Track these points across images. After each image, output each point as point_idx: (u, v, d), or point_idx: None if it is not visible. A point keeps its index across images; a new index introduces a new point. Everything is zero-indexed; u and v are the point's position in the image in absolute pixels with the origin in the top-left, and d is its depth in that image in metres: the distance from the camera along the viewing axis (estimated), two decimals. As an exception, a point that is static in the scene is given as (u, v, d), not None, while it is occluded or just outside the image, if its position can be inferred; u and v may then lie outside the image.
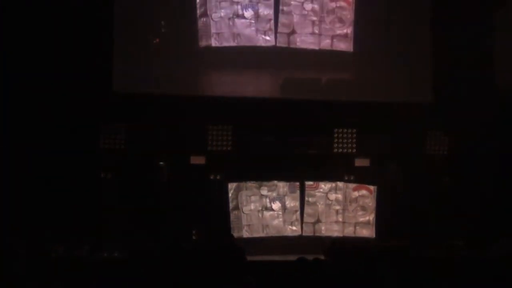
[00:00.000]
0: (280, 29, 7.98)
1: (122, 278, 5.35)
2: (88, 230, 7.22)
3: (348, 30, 8.08)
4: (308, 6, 8.02)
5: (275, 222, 7.96)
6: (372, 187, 8.05)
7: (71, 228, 7.15)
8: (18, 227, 6.71)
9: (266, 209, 7.96)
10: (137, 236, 7.18)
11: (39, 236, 6.63)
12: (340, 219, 8.03)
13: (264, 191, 7.96)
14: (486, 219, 7.66)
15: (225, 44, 7.90)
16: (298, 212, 7.98)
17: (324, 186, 8.04)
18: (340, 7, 8.07)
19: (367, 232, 8.02)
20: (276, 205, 7.97)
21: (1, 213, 6.93)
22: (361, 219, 8.04)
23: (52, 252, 6.61)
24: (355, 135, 8.08)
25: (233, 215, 7.88)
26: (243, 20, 7.93)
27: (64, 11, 7.48)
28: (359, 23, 8.05)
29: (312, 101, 7.94)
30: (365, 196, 8.07)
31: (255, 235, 7.90)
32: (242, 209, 7.91)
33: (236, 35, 7.91)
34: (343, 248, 6.99)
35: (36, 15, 7.42)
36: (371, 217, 8.03)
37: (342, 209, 8.04)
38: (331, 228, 8.01)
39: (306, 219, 7.98)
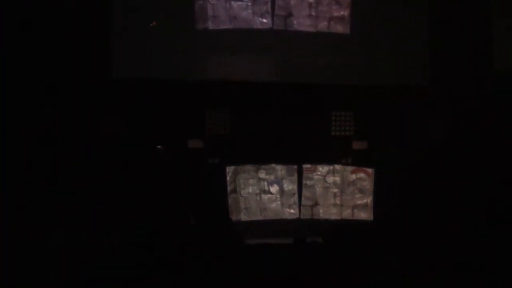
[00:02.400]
0: (277, 12, 7.94)
1: (121, 264, 5.36)
2: (86, 216, 7.23)
3: (345, 12, 8.04)
4: (305, -12, 7.99)
5: (273, 205, 7.99)
6: (370, 170, 8.07)
7: (70, 215, 7.16)
8: (18, 216, 6.73)
9: (264, 192, 7.99)
10: (135, 221, 7.20)
11: (38, 223, 6.64)
12: (338, 202, 8.06)
13: (262, 174, 7.98)
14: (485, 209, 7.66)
15: (222, 26, 7.87)
16: (296, 195, 8.00)
17: (322, 169, 8.06)
18: (337, -11, 8.04)
19: (365, 215, 8.05)
20: (274, 188, 8.00)
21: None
22: (359, 202, 8.07)
23: (51, 239, 6.62)
24: (352, 117, 8.10)
25: (231, 199, 7.91)
26: (239, 3, 7.88)
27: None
28: (356, 5, 8.01)
29: (309, 83, 7.94)
30: (362, 178, 8.09)
31: (253, 218, 7.93)
32: (240, 192, 7.94)
33: (232, 18, 7.88)
34: (341, 230, 6.99)
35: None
36: (369, 199, 8.06)
37: (340, 192, 8.06)
38: (329, 211, 8.04)
39: (304, 202, 8.01)
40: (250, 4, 7.89)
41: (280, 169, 8.01)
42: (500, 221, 6.90)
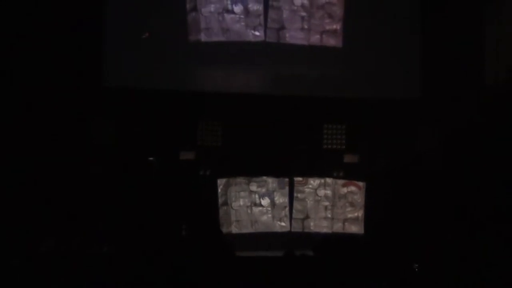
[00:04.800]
0: (269, 24, 7.96)
1: (111, 273, 5.33)
2: (77, 225, 7.19)
3: (338, 25, 8.07)
4: (298, 1, 8.00)
5: (264, 218, 7.98)
6: (361, 183, 8.07)
7: (60, 223, 7.12)
8: (8, 223, 6.69)
9: (255, 205, 7.97)
10: (126, 231, 7.16)
11: (28, 231, 6.61)
12: (329, 215, 8.05)
13: (253, 187, 7.97)
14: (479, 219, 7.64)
15: (215, 39, 7.88)
16: (287, 208, 7.99)
17: (313, 182, 8.05)
18: (330, 3, 8.05)
19: (356, 228, 8.04)
20: (265, 201, 7.98)
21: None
22: (350, 215, 8.07)
23: (41, 246, 6.59)
24: (344, 131, 8.10)
25: (222, 211, 7.88)
26: (232, 15, 7.90)
27: (53, 4, 7.44)
28: (348, 18, 8.04)
29: (301, 96, 7.95)
30: (354, 192, 8.08)
31: (244, 230, 7.91)
32: (231, 205, 7.92)
33: (225, 30, 7.89)
34: (333, 244, 6.97)
35: (23, 8, 7.37)
36: (360, 213, 8.05)
37: (331, 205, 8.06)
38: (320, 224, 8.03)
39: (295, 215, 8.00)
40: (243, 16, 7.91)
41: (271, 182, 8.01)
42: (491, 232, 6.90)
